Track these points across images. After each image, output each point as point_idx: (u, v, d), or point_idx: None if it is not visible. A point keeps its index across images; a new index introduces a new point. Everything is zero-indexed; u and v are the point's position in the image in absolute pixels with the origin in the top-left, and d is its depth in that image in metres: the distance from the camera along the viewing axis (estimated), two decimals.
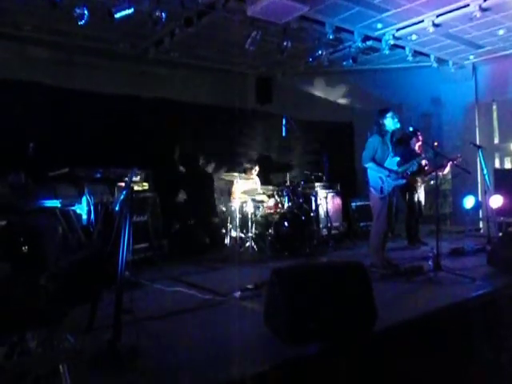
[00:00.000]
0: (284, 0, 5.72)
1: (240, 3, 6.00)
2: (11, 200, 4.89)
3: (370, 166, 5.59)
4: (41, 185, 5.34)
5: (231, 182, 7.77)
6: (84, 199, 5.54)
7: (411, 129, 6.48)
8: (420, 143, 7.16)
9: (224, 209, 7.61)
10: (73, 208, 5.32)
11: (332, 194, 8.38)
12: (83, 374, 2.72)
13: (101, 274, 3.38)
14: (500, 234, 7.28)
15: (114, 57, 7.67)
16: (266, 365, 2.84)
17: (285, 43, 6.96)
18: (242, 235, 7.08)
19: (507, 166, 9.46)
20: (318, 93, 9.82)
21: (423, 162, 7.16)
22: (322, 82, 9.74)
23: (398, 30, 7.26)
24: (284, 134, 7.31)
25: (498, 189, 7.94)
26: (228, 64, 8.57)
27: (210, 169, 8.65)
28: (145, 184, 6.48)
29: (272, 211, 7.28)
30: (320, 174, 8.07)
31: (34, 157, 5.78)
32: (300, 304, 3.14)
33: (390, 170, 5.56)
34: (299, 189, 7.78)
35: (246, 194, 7.30)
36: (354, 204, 8.82)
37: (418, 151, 7.10)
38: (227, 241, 7.26)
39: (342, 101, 10.05)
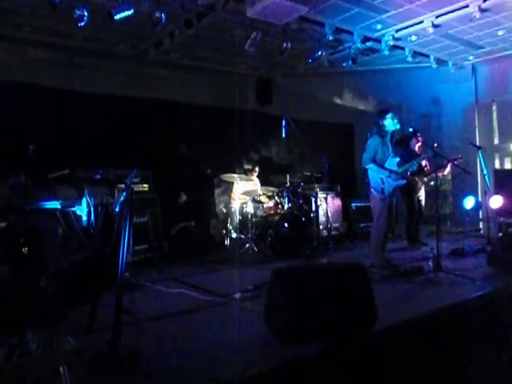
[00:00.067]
0: (284, 1, 5.72)
1: (240, 4, 6.00)
2: (11, 201, 4.90)
3: (370, 167, 5.59)
4: (41, 186, 5.35)
5: (231, 183, 7.77)
6: (84, 200, 5.55)
7: (411, 129, 6.49)
8: (420, 144, 7.17)
9: (224, 210, 7.61)
10: (73, 209, 5.33)
11: (332, 194, 8.38)
12: (83, 375, 2.71)
13: (101, 275, 3.39)
14: (500, 235, 7.28)
15: (113, 58, 7.67)
16: (266, 365, 2.84)
17: (285, 44, 6.96)
18: (242, 236, 7.08)
19: (507, 166, 9.46)
20: (318, 94, 9.81)
21: (423, 163, 7.17)
22: (321, 82, 9.74)
23: (397, 30, 7.27)
24: (284, 135, 7.31)
25: (497, 189, 7.94)
26: (228, 65, 8.57)
27: (209, 170, 8.65)
28: (145, 185, 6.49)
29: (272, 212, 7.28)
30: (320, 174, 8.07)
31: (34, 158, 5.79)
32: (300, 304, 3.14)
33: (391, 171, 5.57)
34: (299, 190, 7.78)
35: (246, 194, 7.30)
36: (354, 205, 8.82)
37: (418, 152, 7.10)
38: (227, 242, 7.26)
39: (342, 102, 10.06)
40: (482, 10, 6.29)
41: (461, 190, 9.15)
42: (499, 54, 8.67)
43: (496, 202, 7.67)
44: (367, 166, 5.62)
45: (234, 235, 7.17)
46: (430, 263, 5.31)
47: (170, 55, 7.85)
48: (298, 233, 7.00)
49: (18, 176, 5.27)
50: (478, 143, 8.76)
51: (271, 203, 7.40)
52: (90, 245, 5.10)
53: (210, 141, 8.63)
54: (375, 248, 5.64)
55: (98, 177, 5.90)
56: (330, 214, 7.84)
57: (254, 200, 7.24)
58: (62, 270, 3.45)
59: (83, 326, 3.34)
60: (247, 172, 7.85)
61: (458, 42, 7.95)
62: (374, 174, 5.60)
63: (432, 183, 7.14)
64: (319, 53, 7.56)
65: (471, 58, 9.02)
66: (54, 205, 5.11)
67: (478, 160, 7.77)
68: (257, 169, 7.95)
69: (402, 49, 8.02)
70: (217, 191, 8.57)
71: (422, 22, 6.88)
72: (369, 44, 7.54)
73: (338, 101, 10.06)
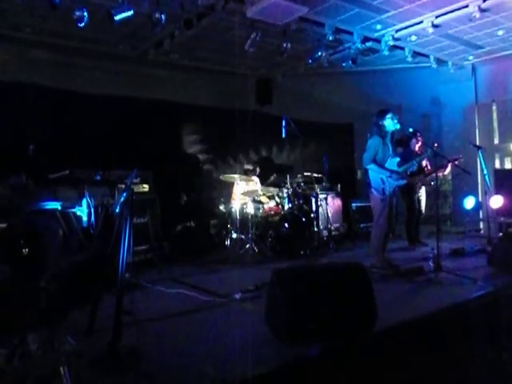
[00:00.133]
0: (283, 1, 5.72)
1: (239, 5, 6.01)
2: (12, 202, 4.90)
3: (371, 167, 5.59)
4: (41, 187, 5.35)
5: (231, 184, 7.77)
6: (84, 201, 5.55)
7: (411, 129, 6.49)
8: (420, 144, 7.17)
9: (224, 210, 7.60)
10: (73, 210, 5.33)
11: (332, 195, 8.38)
12: (84, 375, 2.71)
13: (101, 276, 3.39)
14: (500, 235, 7.28)
15: (114, 59, 7.68)
16: (266, 366, 2.84)
17: (284, 44, 6.97)
18: (243, 236, 7.07)
19: (507, 166, 9.46)
20: (317, 94, 9.81)
21: (424, 163, 7.17)
22: (321, 83, 9.73)
23: (397, 30, 7.27)
24: (284, 135, 7.31)
25: (498, 189, 7.95)
26: (228, 65, 8.57)
27: (210, 170, 8.65)
28: (145, 186, 6.48)
29: (272, 212, 7.28)
30: (320, 175, 8.06)
31: (35, 158, 5.79)
32: (300, 305, 3.14)
33: (391, 171, 5.57)
34: (299, 190, 7.78)
35: (247, 195, 7.30)
36: (354, 205, 8.82)
37: (418, 152, 7.10)
38: (227, 242, 7.25)
39: (342, 102, 10.05)
40: (481, 10, 6.30)
41: (461, 190, 9.16)
42: (499, 54, 8.68)
43: (496, 201, 7.68)
44: (368, 167, 5.62)
45: (234, 235, 7.17)
46: (431, 263, 5.31)
47: (169, 56, 7.86)
48: (299, 233, 7.00)
49: (19, 176, 5.27)
50: (478, 143, 8.77)
51: (271, 203, 7.40)
52: (91, 246, 5.10)
53: (210, 141, 8.64)
54: (376, 248, 5.64)
55: (99, 177, 5.90)
56: (330, 215, 7.84)
57: (254, 200, 7.23)
58: (63, 271, 3.44)
59: (84, 326, 3.34)
60: (247, 172, 7.85)
61: (457, 42, 7.95)
62: (375, 175, 5.60)
63: (432, 183, 7.14)
64: (319, 53, 7.57)
65: (471, 58, 9.03)
66: (55, 205, 5.11)
67: (478, 160, 7.77)
68: (257, 169, 7.95)
69: (402, 49, 8.02)
70: (217, 191, 8.57)
71: (421, 22, 6.89)
72: (369, 44, 7.55)
73: (337, 101, 10.05)
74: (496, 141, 9.58)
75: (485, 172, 7.23)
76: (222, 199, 7.84)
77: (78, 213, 5.44)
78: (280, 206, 7.29)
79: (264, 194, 7.58)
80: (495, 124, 9.58)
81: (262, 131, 9.35)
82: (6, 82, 6.47)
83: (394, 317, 3.67)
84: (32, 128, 6.32)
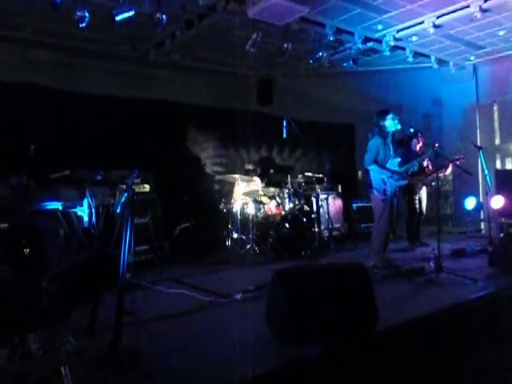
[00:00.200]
0: (284, 2, 5.72)
1: (240, 5, 6.01)
2: (13, 202, 4.90)
3: (372, 167, 5.59)
4: (42, 187, 5.35)
5: (232, 184, 7.77)
6: (85, 201, 5.56)
7: (412, 130, 6.49)
8: (421, 144, 7.16)
9: (225, 210, 7.60)
10: (74, 210, 5.34)
11: (333, 195, 8.37)
12: (85, 375, 2.72)
13: (102, 276, 3.39)
14: (501, 235, 7.26)
15: (114, 59, 7.69)
16: (267, 366, 2.84)
17: (285, 45, 6.97)
18: (243, 237, 7.07)
19: (508, 166, 9.46)
20: (318, 94, 9.82)
21: (425, 163, 7.17)
22: (322, 83, 9.74)
23: (398, 31, 7.27)
24: (285, 135, 7.31)
25: (499, 190, 7.94)
26: (229, 66, 8.58)
27: (210, 170, 8.65)
28: (146, 186, 6.49)
29: (273, 213, 7.28)
30: (321, 175, 8.06)
31: (36, 159, 5.79)
32: (301, 305, 3.14)
33: (393, 171, 5.57)
34: (300, 190, 7.78)
35: (247, 195, 7.30)
36: (355, 205, 8.81)
37: (419, 152, 7.09)
38: (228, 242, 7.25)
39: (343, 102, 10.05)
40: (482, 11, 6.29)
41: (462, 190, 9.15)
42: (500, 55, 8.68)
43: (497, 202, 7.67)
44: (369, 167, 5.62)
45: (235, 236, 7.17)
46: (432, 264, 5.30)
47: (170, 56, 7.86)
48: (299, 233, 7.00)
49: (20, 177, 5.28)
50: (479, 143, 8.77)
51: (272, 204, 7.39)
52: (92, 246, 5.10)
53: (211, 141, 8.65)
54: (376, 248, 5.64)
55: (100, 178, 5.90)
56: (331, 215, 7.84)
57: (255, 200, 7.24)
58: (64, 271, 3.45)
59: (84, 326, 3.34)
60: (248, 172, 7.85)
61: (458, 42, 7.95)
62: (376, 175, 5.60)
63: (433, 183, 7.14)
64: (320, 53, 7.57)
65: (472, 58, 9.02)
66: (56, 206, 5.12)
67: (479, 160, 7.76)
68: (258, 169, 7.95)
69: (403, 49, 8.02)
70: (218, 192, 8.57)
71: (422, 22, 6.89)
72: (369, 44, 7.55)
73: (338, 101, 10.06)
74: (497, 141, 9.58)
75: (486, 172, 7.23)
76: (223, 199, 7.84)
77: (79, 213, 5.45)
78: (281, 207, 7.29)
79: (265, 195, 7.58)
80: (496, 124, 9.57)
81: (262, 131, 9.35)
82: (7, 83, 6.47)
83: (395, 317, 3.67)
84: (33, 128, 6.33)
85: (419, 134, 7.14)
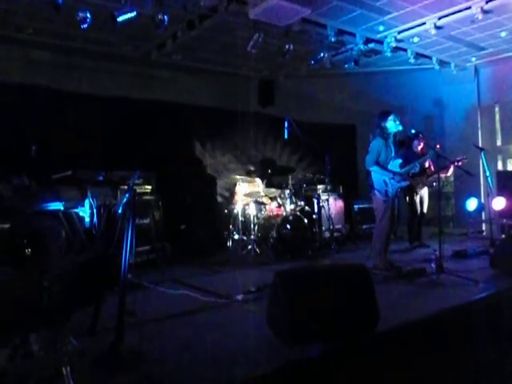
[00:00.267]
0: (286, 3, 5.72)
1: (242, 6, 6.01)
2: (14, 202, 4.91)
3: (373, 169, 5.59)
4: (44, 187, 5.36)
5: (234, 185, 7.77)
6: (87, 202, 5.56)
7: (413, 131, 6.48)
8: (422, 145, 7.16)
9: (226, 211, 7.61)
10: (76, 211, 5.34)
11: (334, 196, 8.37)
12: (86, 376, 2.72)
13: (104, 277, 3.39)
14: (503, 236, 7.28)
15: (116, 60, 7.69)
16: (268, 367, 2.84)
17: (287, 46, 6.97)
18: (245, 238, 7.07)
19: (510, 167, 9.45)
20: (320, 95, 9.82)
21: (427, 164, 7.17)
22: (324, 84, 9.74)
23: (399, 32, 7.27)
24: (286, 136, 7.31)
25: (500, 191, 7.93)
26: (230, 67, 8.58)
27: (211, 171, 8.66)
28: (147, 186, 6.50)
29: (274, 214, 7.28)
30: (322, 176, 8.06)
31: (37, 159, 5.80)
32: (302, 306, 3.14)
33: (394, 173, 5.57)
34: (301, 191, 7.77)
35: (249, 196, 7.30)
36: (356, 206, 8.81)
37: (421, 153, 7.09)
38: (229, 243, 7.26)
39: (344, 103, 10.06)
40: (484, 12, 6.28)
41: (463, 191, 9.14)
42: (502, 56, 8.67)
43: (499, 203, 7.67)
44: (371, 168, 5.62)
45: (236, 237, 7.18)
46: (433, 265, 5.31)
47: (172, 57, 7.86)
48: (301, 234, 7.00)
49: (21, 177, 5.28)
50: (480, 145, 8.77)
51: (273, 205, 7.39)
52: (93, 246, 5.11)
53: (212, 142, 8.65)
54: (378, 249, 5.64)
55: (101, 178, 5.91)
56: (332, 216, 7.83)
57: (256, 201, 7.24)
58: (65, 272, 3.45)
59: (86, 327, 3.35)
60: (250, 173, 7.85)
61: (460, 43, 7.95)
62: (378, 176, 5.60)
63: (434, 184, 7.14)
64: (321, 54, 7.57)
65: (474, 59, 9.02)
66: (57, 206, 5.12)
67: (480, 161, 7.76)
68: (259, 170, 7.95)
69: (405, 50, 8.02)
70: (219, 193, 8.57)
71: (424, 23, 6.88)
72: (371, 45, 7.54)
73: (340, 102, 10.06)
74: (499, 142, 9.57)
75: (487, 174, 7.22)
76: (224, 200, 7.84)
77: (81, 213, 5.45)
78: (282, 207, 7.28)
79: (266, 195, 7.58)
80: (498, 125, 9.57)
81: (264, 132, 9.37)
82: (9, 84, 6.48)
83: (396, 318, 3.67)
84: (34, 129, 6.34)
85: (420, 136, 7.12)
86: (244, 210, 7.16)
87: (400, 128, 5.63)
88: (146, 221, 6.17)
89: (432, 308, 4.01)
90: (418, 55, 8.24)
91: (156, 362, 2.98)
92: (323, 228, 7.67)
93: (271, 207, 7.38)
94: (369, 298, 3.33)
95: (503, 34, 7.52)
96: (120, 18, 5.53)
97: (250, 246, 6.89)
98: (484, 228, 9.04)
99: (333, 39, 7.00)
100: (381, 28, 7.11)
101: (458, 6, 6.39)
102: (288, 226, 6.97)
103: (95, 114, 6.98)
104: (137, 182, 6.17)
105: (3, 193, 5.00)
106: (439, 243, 5.17)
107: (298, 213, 7.20)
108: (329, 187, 8.13)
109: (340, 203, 8.52)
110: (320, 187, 8.12)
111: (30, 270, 4.04)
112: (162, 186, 6.85)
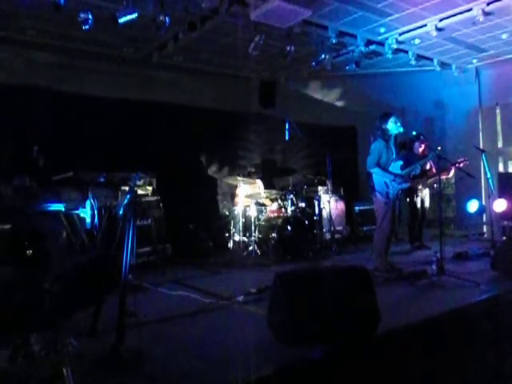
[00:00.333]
0: (287, 4, 5.73)
1: (243, 8, 6.01)
2: (15, 203, 4.91)
3: (375, 170, 5.59)
4: (45, 188, 5.36)
5: (234, 186, 7.78)
6: (88, 203, 5.55)
7: (414, 133, 6.49)
8: (423, 147, 7.16)
9: (227, 213, 7.61)
10: (77, 212, 5.33)
11: (335, 197, 8.37)
12: (87, 377, 2.72)
13: (104, 278, 3.39)
14: (504, 238, 7.26)
15: (117, 61, 7.70)
16: (269, 368, 2.84)
17: (288, 47, 6.97)
18: (245, 239, 7.08)
19: (511, 169, 9.43)
20: (321, 97, 9.82)
21: (427, 166, 7.17)
22: (325, 86, 9.75)
23: (401, 34, 7.27)
24: (287, 137, 7.32)
25: (501, 193, 7.93)
26: (231, 68, 8.59)
27: (212, 172, 8.66)
28: (148, 188, 6.50)
29: (275, 215, 7.28)
30: (323, 177, 8.07)
31: (38, 160, 5.81)
32: (303, 307, 3.15)
33: (395, 174, 5.57)
34: (302, 193, 7.78)
35: (250, 197, 7.31)
36: (357, 208, 8.81)
37: (422, 155, 7.09)
38: (230, 245, 7.26)
39: (345, 105, 10.06)
40: (485, 14, 6.28)
41: (464, 193, 9.13)
42: (503, 58, 8.67)
43: (500, 205, 7.66)
44: (372, 170, 5.62)
45: (237, 238, 7.18)
46: (434, 267, 5.31)
47: (173, 58, 7.87)
48: (301, 236, 7.00)
49: (22, 178, 5.28)
50: (481, 147, 8.76)
51: (274, 206, 7.40)
52: (94, 247, 5.11)
53: (214, 143, 8.65)
54: (379, 251, 5.63)
55: (102, 179, 5.91)
56: (333, 217, 7.84)
57: (257, 203, 7.24)
58: (66, 272, 3.45)
59: (87, 328, 3.35)
60: (250, 175, 7.85)
61: (461, 45, 7.94)
62: (379, 178, 5.60)
63: (435, 185, 7.14)
64: (322, 56, 7.56)
65: (475, 61, 9.01)
66: (58, 207, 5.12)
67: (481, 163, 7.75)
68: (260, 172, 7.96)
69: (406, 52, 8.01)
70: (220, 194, 8.58)
71: (425, 25, 6.88)
72: (372, 47, 7.54)
73: (341, 104, 10.07)
74: (500, 144, 9.56)
75: (488, 175, 7.22)
76: (225, 202, 7.84)
77: (82, 214, 5.44)
78: (283, 209, 7.29)
79: (267, 197, 7.59)
80: (499, 127, 9.56)
81: (265, 134, 9.37)
82: (10, 85, 6.49)
83: (397, 320, 3.67)
84: (36, 130, 6.35)
85: (421, 137, 7.14)
86: (245, 211, 7.17)
87: (401, 130, 5.63)
88: (147, 222, 6.18)
89: (433, 310, 4.01)
90: (419, 57, 8.23)
91: (156, 363, 2.98)
92: (324, 229, 7.68)
93: (272, 208, 7.39)
94: (369, 300, 3.33)
95: (504, 36, 7.52)
96: (121, 20, 5.53)
97: (250, 248, 6.89)
98: (485, 230, 9.03)
99: (334, 41, 7.00)
100: (382, 30, 7.11)
101: (459, 8, 6.39)
102: (289, 228, 6.97)
103: (96, 115, 6.99)
104: (138, 183, 6.18)
105: (4, 193, 5.00)
106: (440, 245, 5.17)
107: (299, 214, 7.21)
108: (330, 189, 8.13)
109: (341, 205, 8.53)
110: (321, 189, 8.13)
111: (31, 271, 4.04)
112: (162, 187, 6.85)
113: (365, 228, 8.66)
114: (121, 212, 3.54)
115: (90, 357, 2.92)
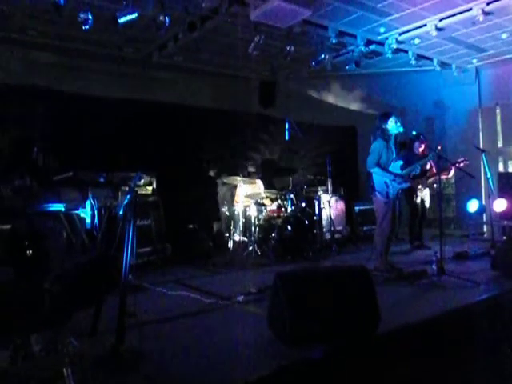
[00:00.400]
0: (287, 4, 5.73)
1: (243, 8, 6.01)
2: (15, 203, 4.91)
3: (375, 170, 5.59)
4: (45, 188, 5.36)
5: (234, 186, 7.78)
6: (88, 203, 5.56)
7: (414, 132, 6.48)
8: (423, 147, 7.16)
9: (227, 213, 7.61)
10: (77, 212, 5.34)
11: (335, 197, 8.37)
12: (87, 377, 2.72)
13: (104, 278, 3.39)
14: (504, 238, 7.26)
15: (117, 61, 7.70)
16: (269, 368, 2.84)
17: (288, 47, 6.97)
18: (245, 239, 7.08)
19: (511, 169, 9.43)
20: (321, 97, 9.82)
21: (427, 166, 7.17)
22: (325, 86, 9.74)
23: (400, 33, 7.27)
24: (287, 137, 7.32)
25: (501, 193, 7.93)
26: (231, 68, 8.59)
27: (212, 172, 8.66)
28: (148, 188, 6.50)
29: (275, 215, 7.28)
30: (323, 177, 8.07)
31: (38, 160, 5.81)
32: (303, 307, 3.15)
33: (395, 174, 5.57)
34: (302, 193, 7.78)
35: (250, 197, 7.31)
36: (357, 208, 8.81)
37: (422, 155, 7.09)
38: (230, 245, 7.26)
39: (345, 104, 10.05)
40: (485, 13, 6.28)
41: (464, 193, 9.13)
42: (503, 58, 8.67)
43: (500, 205, 7.66)
44: (372, 170, 5.62)
45: (237, 238, 7.18)
46: (434, 266, 5.31)
47: (173, 58, 7.87)
48: (301, 236, 7.00)
49: (22, 178, 5.28)
50: (481, 146, 8.76)
51: (274, 206, 7.40)
52: (94, 247, 5.11)
53: (214, 143, 8.65)
54: (379, 251, 5.63)
55: (102, 179, 5.92)
56: (333, 217, 7.83)
57: (257, 203, 7.24)
58: (66, 273, 3.45)
59: (87, 328, 3.35)
60: (250, 175, 7.86)
61: (461, 45, 7.94)
62: (379, 178, 5.60)
63: (435, 185, 7.14)
64: (322, 56, 7.56)
65: (475, 61, 9.01)
66: (58, 207, 5.12)
67: (481, 163, 7.75)
68: (260, 172, 7.95)
69: (406, 52, 8.01)
70: (220, 194, 8.58)
71: (425, 25, 6.88)
72: (372, 47, 7.54)
73: (341, 104, 10.06)
74: (500, 144, 9.56)
75: (488, 175, 7.22)
76: (225, 202, 7.84)
77: (82, 214, 5.45)
78: (283, 209, 7.29)
79: (267, 197, 7.59)
80: (499, 127, 9.56)
81: (265, 134, 9.37)
82: (11, 85, 6.49)
83: (397, 320, 3.67)
84: (36, 130, 6.35)
85: (421, 137, 7.14)
86: (245, 211, 7.17)
87: (401, 129, 5.63)
88: (147, 222, 6.18)
89: (433, 309, 4.01)
90: (419, 57, 8.23)
91: (156, 363, 2.98)
92: (324, 229, 7.68)
93: (272, 208, 7.38)
94: (369, 300, 3.33)
95: (504, 36, 7.52)
96: (121, 20, 5.53)
97: (250, 248, 6.89)
98: (485, 230, 9.03)
99: (334, 41, 7.00)
100: (382, 30, 7.11)
101: (459, 8, 6.39)
102: (289, 228, 6.97)
103: (96, 115, 6.98)
104: (138, 183, 6.19)
105: (4, 193, 5.01)
106: (440, 245, 5.17)
107: (299, 214, 7.21)
108: (330, 189, 8.13)
109: (341, 205, 8.53)
110: (321, 189, 8.12)
111: (31, 271, 4.05)
112: (162, 187, 6.85)
113: (365, 228, 8.66)
114: (121, 212, 3.54)
115: (90, 357, 2.92)
